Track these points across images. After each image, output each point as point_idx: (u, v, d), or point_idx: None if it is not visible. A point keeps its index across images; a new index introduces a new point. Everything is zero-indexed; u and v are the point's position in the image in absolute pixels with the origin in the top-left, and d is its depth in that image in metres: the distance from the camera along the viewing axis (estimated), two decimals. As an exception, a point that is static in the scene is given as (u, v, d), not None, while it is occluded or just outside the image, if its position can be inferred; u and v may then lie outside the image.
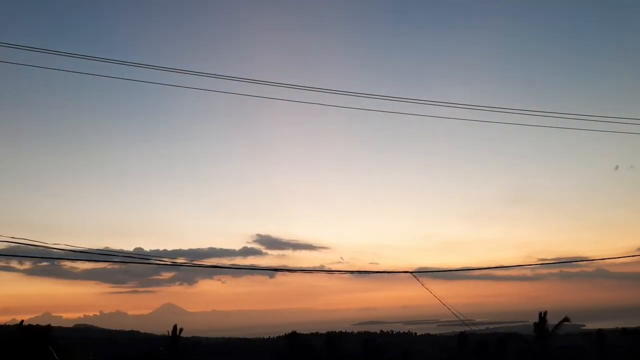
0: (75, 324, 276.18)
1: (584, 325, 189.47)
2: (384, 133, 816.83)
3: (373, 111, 21.99)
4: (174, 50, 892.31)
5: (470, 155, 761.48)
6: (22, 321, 56.39)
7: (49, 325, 61.89)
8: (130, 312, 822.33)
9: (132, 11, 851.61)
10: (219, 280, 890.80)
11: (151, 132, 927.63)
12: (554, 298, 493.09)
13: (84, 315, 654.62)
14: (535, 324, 57.64)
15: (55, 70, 18.03)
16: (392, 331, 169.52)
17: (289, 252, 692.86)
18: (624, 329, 75.07)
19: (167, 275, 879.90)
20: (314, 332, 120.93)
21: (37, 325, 63.30)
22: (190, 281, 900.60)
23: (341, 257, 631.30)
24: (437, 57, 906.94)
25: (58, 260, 15.15)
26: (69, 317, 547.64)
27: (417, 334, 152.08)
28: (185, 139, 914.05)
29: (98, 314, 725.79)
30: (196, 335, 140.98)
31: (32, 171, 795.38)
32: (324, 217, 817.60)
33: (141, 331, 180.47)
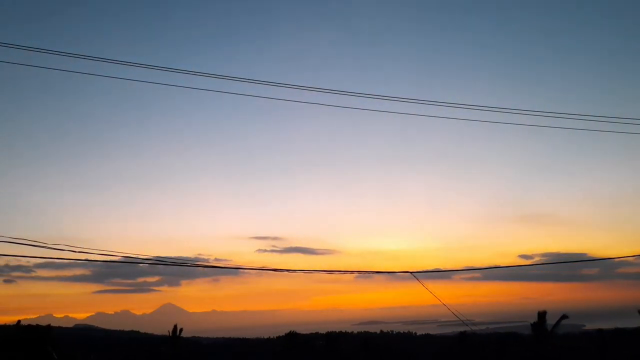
0: (76, 324, 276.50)
1: (584, 326, 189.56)
2: (382, 133, 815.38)
3: (372, 111, 22.03)
4: (174, 50, 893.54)
5: (471, 155, 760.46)
6: (19, 321, 56.55)
7: (49, 325, 62.04)
8: (130, 312, 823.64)
9: (133, 11, 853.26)
10: (219, 280, 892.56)
11: (149, 133, 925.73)
12: (554, 298, 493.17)
13: (85, 315, 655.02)
14: (533, 323, 57.56)
15: (55, 70, 18.08)
16: (392, 331, 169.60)
17: (289, 254, 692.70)
18: (624, 329, 75.13)
19: (167, 275, 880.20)
20: (314, 332, 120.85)
21: (37, 325, 63.44)
22: (190, 281, 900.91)
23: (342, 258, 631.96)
24: (438, 56, 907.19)
25: (58, 260, 15.17)
26: (69, 317, 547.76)
27: (417, 334, 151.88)
28: (184, 140, 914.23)
29: (98, 314, 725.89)
30: (196, 335, 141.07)
31: (30, 172, 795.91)
32: (325, 219, 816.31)
33: (141, 331, 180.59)
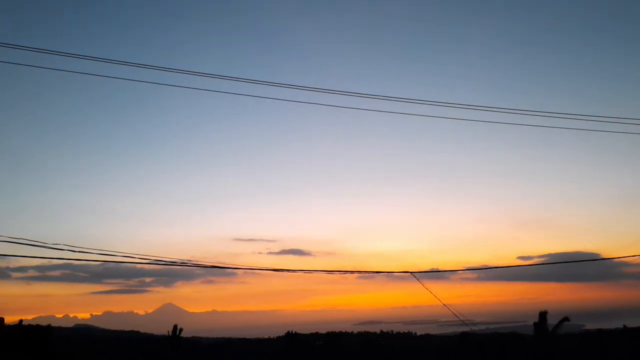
0: (76, 324, 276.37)
1: (584, 326, 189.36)
2: (381, 134, 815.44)
3: (371, 111, 22.05)
4: (172, 50, 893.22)
5: (470, 156, 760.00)
6: (21, 320, 56.41)
7: (49, 325, 61.95)
8: (131, 312, 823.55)
9: (133, 11, 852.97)
10: (213, 282, 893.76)
11: (146, 134, 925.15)
12: (554, 298, 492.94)
13: (86, 315, 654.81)
14: (534, 323, 57.56)
15: (55, 70, 18.11)
16: (392, 331, 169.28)
17: (285, 256, 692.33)
18: (625, 328, 74.97)
19: (163, 276, 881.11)
20: (314, 332, 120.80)
21: (37, 325, 63.36)
22: (191, 281, 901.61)
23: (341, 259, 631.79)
24: (437, 56, 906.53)
25: (58, 260, 15.18)
26: (69, 317, 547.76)
27: (417, 334, 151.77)
28: (180, 141, 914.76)
29: (98, 314, 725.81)
30: (196, 335, 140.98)
31: (31, 172, 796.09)
32: (323, 221, 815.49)
33: (141, 331, 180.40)
